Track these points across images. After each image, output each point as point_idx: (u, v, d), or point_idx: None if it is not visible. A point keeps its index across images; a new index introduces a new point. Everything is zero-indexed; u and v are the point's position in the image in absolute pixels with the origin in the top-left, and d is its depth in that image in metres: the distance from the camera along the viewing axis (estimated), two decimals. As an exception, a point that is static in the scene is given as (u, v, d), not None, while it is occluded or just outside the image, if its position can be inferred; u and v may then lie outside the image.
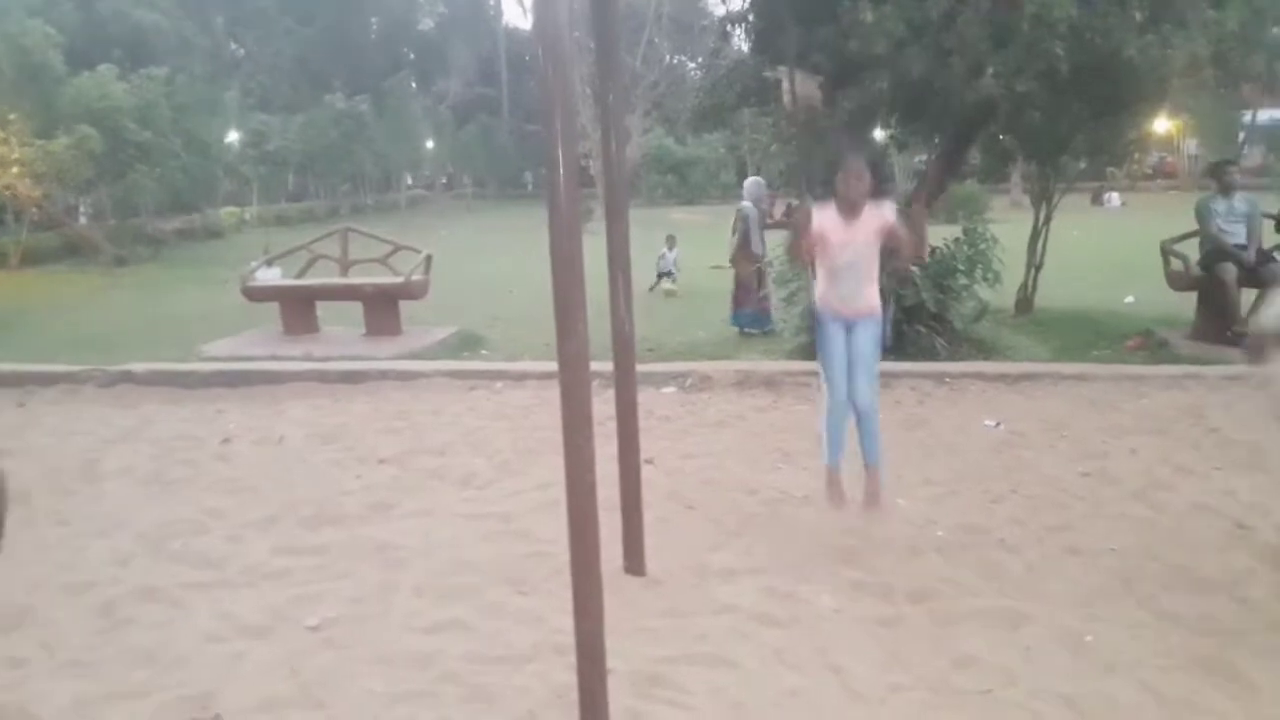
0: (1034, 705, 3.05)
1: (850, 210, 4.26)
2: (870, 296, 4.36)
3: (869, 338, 4.34)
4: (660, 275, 13.75)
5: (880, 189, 4.32)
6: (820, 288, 4.40)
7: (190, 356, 8.83)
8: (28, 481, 5.43)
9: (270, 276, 10.84)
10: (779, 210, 24.63)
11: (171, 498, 5.19)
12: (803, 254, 4.48)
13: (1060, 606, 3.68)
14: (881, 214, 4.29)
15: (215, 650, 3.52)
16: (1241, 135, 34.51)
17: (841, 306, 4.32)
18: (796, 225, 4.37)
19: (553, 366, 2.94)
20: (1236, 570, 3.93)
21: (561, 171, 2.65)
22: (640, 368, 4.09)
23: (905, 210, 4.57)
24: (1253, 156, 35.44)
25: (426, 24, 60.58)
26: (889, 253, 4.44)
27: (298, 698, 3.18)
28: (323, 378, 7.66)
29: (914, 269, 7.13)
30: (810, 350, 7.96)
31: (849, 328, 4.33)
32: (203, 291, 14.65)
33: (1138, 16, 7.13)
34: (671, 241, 14.13)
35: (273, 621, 3.72)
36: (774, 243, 9.19)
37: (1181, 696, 3.08)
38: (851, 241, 4.26)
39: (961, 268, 8.05)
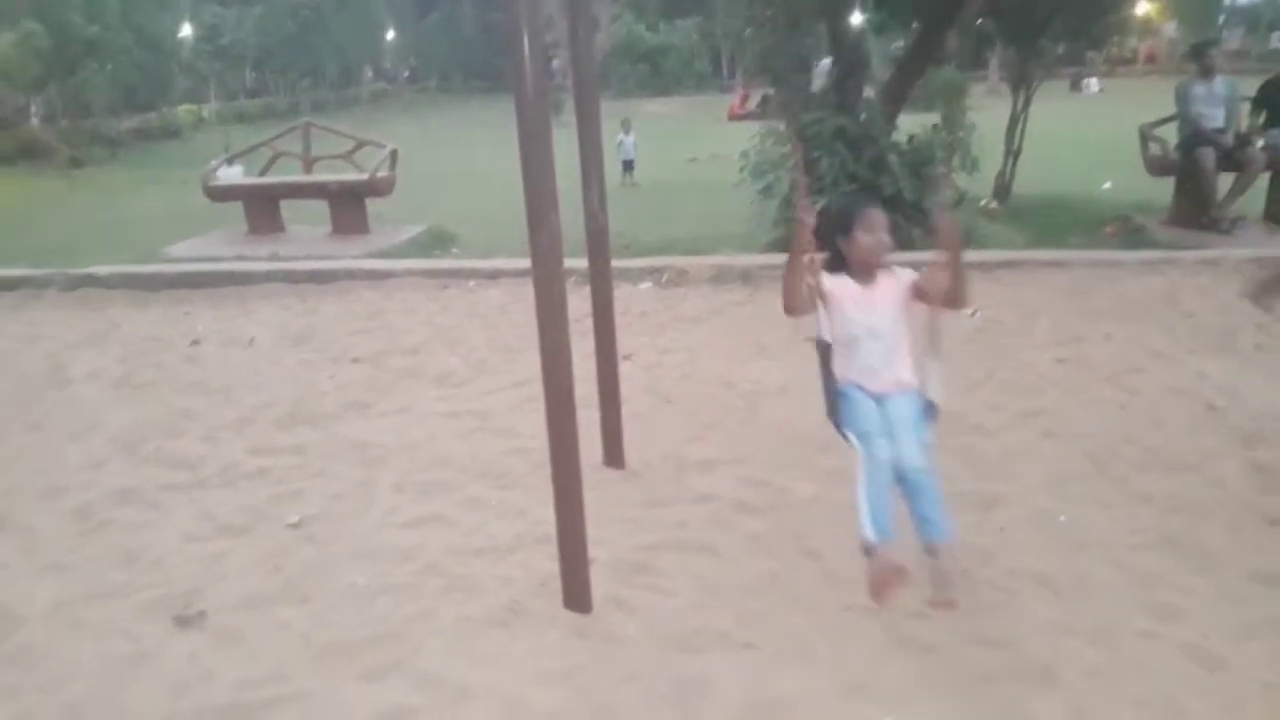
0: (1008, 583, 3.12)
1: (865, 274, 3.11)
2: (902, 371, 3.13)
3: (908, 406, 3.09)
4: (625, 165, 13.36)
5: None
6: (836, 356, 3.21)
7: (154, 258, 8.65)
8: (-5, 388, 5.36)
9: (232, 175, 10.56)
10: (752, 101, 24.24)
11: (143, 400, 5.12)
12: (802, 278, 3.04)
13: (1034, 488, 3.74)
14: (900, 282, 3.12)
15: (196, 550, 3.52)
16: (1221, 18, 34.05)
17: (866, 382, 3.11)
18: (793, 235, 3.05)
19: (527, 263, 2.88)
20: (1207, 451, 3.99)
21: (526, 54, 2.54)
22: (615, 263, 4.01)
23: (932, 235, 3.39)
24: (1232, 39, 35.05)
25: (385, -93, 58.02)
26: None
27: (281, 593, 3.19)
28: (290, 278, 7.53)
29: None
30: (785, 242, 7.92)
31: (880, 401, 3.11)
32: (163, 192, 14.29)
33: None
34: (627, 125, 13.63)
35: (252, 520, 3.72)
36: (748, 134, 9.02)
37: (1150, 572, 3.15)
38: (872, 305, 3.11)
39: (940, 155, 7.94)
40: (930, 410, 3.14)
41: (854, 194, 4.09)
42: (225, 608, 3.11)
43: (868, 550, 2.84)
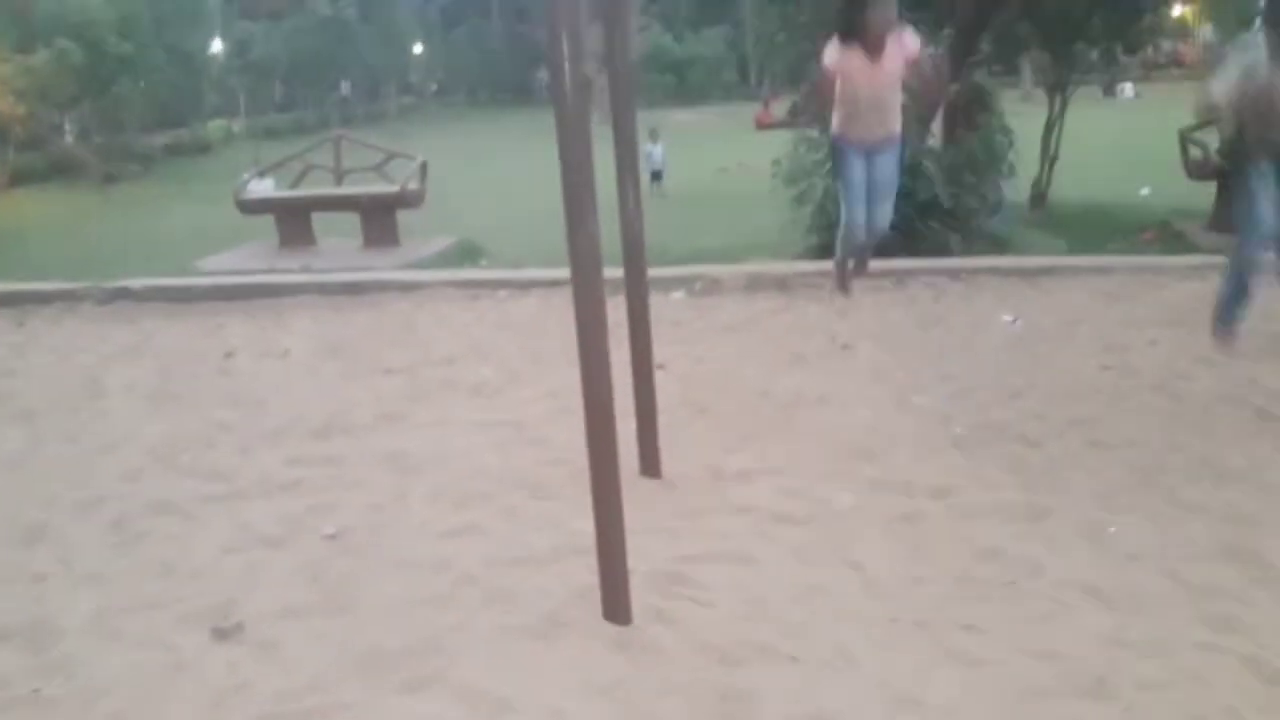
0: (1058, 595, 3.04)
1: (875, 46, 4.25)
2: (892, 124, 4.40)
3: (890, 162, 4.43)
4: (654, 175, 13.37)
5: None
6: (838, 121, 4.39)
7: (187, 271, 8.73)
8: (33, 400, 5.40)
9: (263, 189, 10.67)
10: (779, 110, 24.20)
11: (178, 412, 5.14)
12: (827, 92, 4.49)
13: (1082, 499, 3.65)
14: (905, 45, 4.33)
15: (233, 560, 3.50)
16: (1258, 20, 33.51)
17: (864, 137, 4.36)
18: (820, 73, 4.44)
19: (557, 274, 2.87)
20: (1260, 459, 3.88)
21: (565, 48, 2.51)
22: (648, 272, 3.99)
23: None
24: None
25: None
26: (910, 92, 4.69)
27: (320, 604, 3.17)
28: (323, 290, 7.56)
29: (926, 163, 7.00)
30: (820, 250, 7.88)
31: (869, 155, 4.40)
32: (195, 206, 14.47)
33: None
34: (654, 135, 13.64)
35: (289, 531, 3.70)
36: (776, 142, 8.99)
37: (1206, 583, 3.06)
38: (876, 79, 4.29)
39: (982, 158, 7.87)
40: (902, 157, 4.55)
41: None
42: (263, 618, 3.08)
43: (836, 272, 5.25)
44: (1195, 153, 8.39)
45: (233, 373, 5.83)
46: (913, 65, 4.37)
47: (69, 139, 26.01)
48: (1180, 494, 3.66)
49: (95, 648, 2.98)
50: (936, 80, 4.81)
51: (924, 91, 4.90)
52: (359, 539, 3.60)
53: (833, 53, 4.31)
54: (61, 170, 21.76)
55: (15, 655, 2.96)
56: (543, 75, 49.21)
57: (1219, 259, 6.97)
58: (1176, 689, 2.58)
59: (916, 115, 7.02)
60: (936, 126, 8.05)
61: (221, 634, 3.00)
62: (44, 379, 5.81)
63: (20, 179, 20.55)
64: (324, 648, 2.92)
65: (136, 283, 7.83)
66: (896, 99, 4.41)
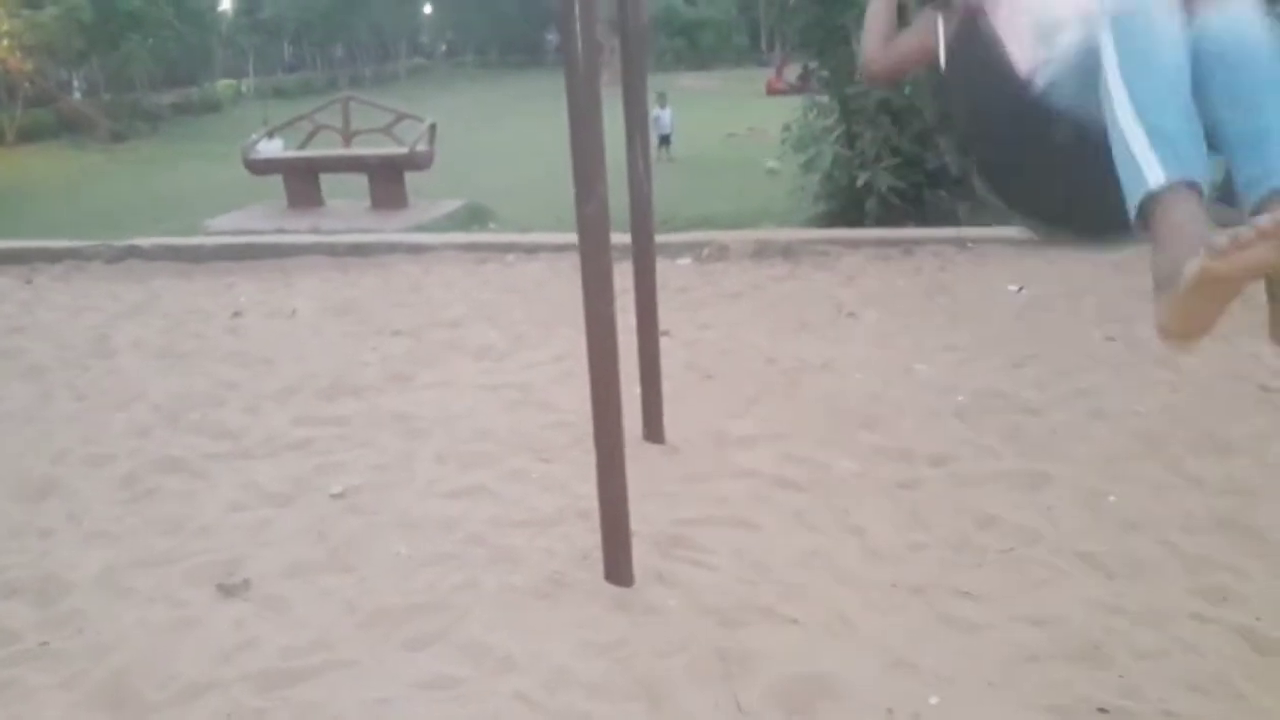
0: (1056, 562, 3.07)
1: None
2: None
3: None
4: (662, 139, 13.30)
5: None
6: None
7: (195, 231, 8.73)
8: (42, 357, 5.43)
9: (272, 149, 10.63)
10: (790, 75, 24.00)
11: (186, 370, 5.17)
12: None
13: (1083, 468, 3.67)
14: None
15: (240, 518, 3.54)
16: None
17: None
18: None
19: (565, 238, 2.87)
20: (1261, 433, 3.89)
21: (578, 12, 2.50)
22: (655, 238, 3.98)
23: None
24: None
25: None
26: None
27: (326, 562, 3.21)
28: (331, 251, 7.57)
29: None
30: (827, 218, 7.86)
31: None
32: (203, 165, 14.43)
33: None
34: (663, 99, 13.54)
35: (296, 490, 3.74)
36: (786, 108, 8.92)
37: (1202, 554, 3.08)
38: None
39: None
40: None
41: None
42: (270, 576, 3.12)
43: (1148, 204, 1.47)
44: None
45: (240, 332, 5.85)
46: None
47: (77, 96, 25.90)
48: (1181, 465, 3.67)
49: (103, 603, 3.02)
50: None
51: None
52: (366, 498, 3.64)
53: None
54: (69, 128, 21.70)
55: (25, 609, 3.01)
56: (554, 36, 48.80)
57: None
58: (1170, 657, 2.61)
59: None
60: None
61: (228, 590, 3.05)
62: (53, 336, 5.84)
63: (28, 136, 20.51)
64: (330, 605, 2.96)
65: (145, 241, 7.85)
66: None
